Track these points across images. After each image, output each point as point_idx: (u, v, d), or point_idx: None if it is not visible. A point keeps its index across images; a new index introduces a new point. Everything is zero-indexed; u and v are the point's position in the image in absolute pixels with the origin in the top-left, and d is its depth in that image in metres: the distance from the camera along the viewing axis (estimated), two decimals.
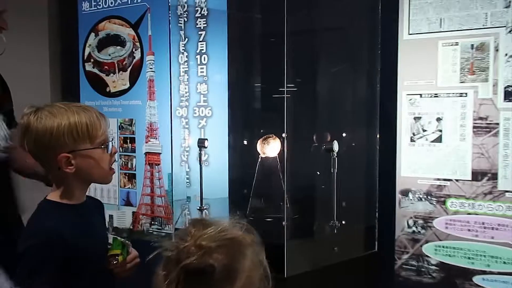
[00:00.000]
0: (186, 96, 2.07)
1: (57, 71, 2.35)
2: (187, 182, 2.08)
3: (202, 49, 2.02)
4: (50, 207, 1.23)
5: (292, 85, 1.97)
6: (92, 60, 2.29)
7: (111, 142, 1.29)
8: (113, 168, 1.30)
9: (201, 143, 1.64)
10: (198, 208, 1.53)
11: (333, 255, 1.44)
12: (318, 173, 1.58)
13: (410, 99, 1.63)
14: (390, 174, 1.61)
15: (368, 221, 1.57)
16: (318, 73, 1.86)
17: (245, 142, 1.88)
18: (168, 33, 2.08)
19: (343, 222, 1.57)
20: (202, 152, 1.56)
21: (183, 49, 2.07)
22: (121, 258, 1.27)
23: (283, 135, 2.13)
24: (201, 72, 2.03)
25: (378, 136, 1.64)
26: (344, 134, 1.78)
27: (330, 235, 1.52)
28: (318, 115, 1.89)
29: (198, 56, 2.04)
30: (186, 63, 2.06)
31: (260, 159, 1.52)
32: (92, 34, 2.29)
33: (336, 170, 1.42)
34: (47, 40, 2.31)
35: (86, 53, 2.30)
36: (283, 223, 1.27)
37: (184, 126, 2.08)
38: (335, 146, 1.43)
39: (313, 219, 1.59)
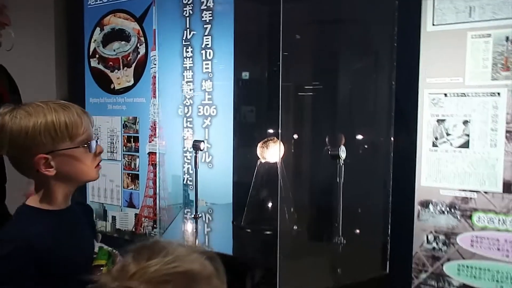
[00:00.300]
0: (190, 94, 1.95)
1: (63, 67, 2.29)
2: (190, 184, 1.97)
3: (208, 43, 1.90)
4: (28, 213, 1.14)
5: (309, 85, 1.81)
6: (97, 55, 2.21)
7: (95, 141, 1.20)
8: (99, 165, 1.21)
9: (196, 146, 1.50)
10: (193, 216, 1.40)
11: (336, 277, 1.27)
12: (324, 180, 1.42)
13: (433, 99, 1.44)
14: (408, 183, 1.43)
15: (379, 237, 1.39)
16: (327, 69, 1.69)
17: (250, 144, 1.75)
18: (173, 27, 1.97)
19: (349, 239, 1.40)
20: (198, 155, 1.42)
21: (187, 44, 1.95)
22: (105, 269, 1.18)
23: (294, 136, 2.00)
24: (206, 68, 1.91)
25: (392, 139, 1.46)
26: (358, 137, 1.61)
27: (334, 254, 1.35)
28: (329, 115, 1.73)
29: (204, 51, 1.91)
30: (191, 59, 1.94)
31: (259, 163, 1.38)
32: (98, 29, 2.21)
33: (342, 180, 1.26)
34: (53, 35, 2.24)
35: (92, 49, 2.23)
36: (278, 239, 1.13)
37: (188, 126, 1.96)
38: (342, 152, 1.26)
39: (314, 234, 1.44)
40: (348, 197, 1.37)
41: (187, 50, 1.95)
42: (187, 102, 1.96)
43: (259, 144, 1.38)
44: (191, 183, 1.96)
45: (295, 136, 1.94)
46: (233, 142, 1.84)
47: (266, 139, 1.39)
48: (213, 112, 1.90)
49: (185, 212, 1.98)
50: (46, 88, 2.23)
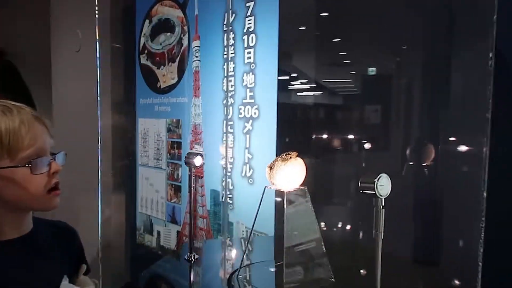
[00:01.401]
0: (231, 91, 1.58)
1: (117, 66, 2.14)
2: (229, 203, 1.60)
3: (250, 27, 1.50)
4: None
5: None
6: (146, 51, 2.00)
7: (47, 158, 0.91)
8: (55, 190, 0.93)
9: (188, 162, 1.03)
10: (185, 257, 1.02)
11: None
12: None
13: None
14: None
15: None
16: (401, 58, 1.15)
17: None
18: (214, 10, 1.62)
19: None
20: (193, 176, 1.00)
21: (228, 29, 1.58)
22: None
23: (366, 145, 1.46)
24: (248, 58, 1.51)
25: (485, 149, 0.87)
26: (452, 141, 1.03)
27: None
28: (405, 118, 1.17)
29: (245, 37, 1.52)
30: (232, 47, 1.57)
31: (265, 191, 0.92)
32: (147, 22, 1.99)
33: (382, 229, 0.73)
34: (109, 33, 2.11)
35: (141, 44, 2.03)
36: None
37: (229, 131, 1.59)
38: (384, 185, 0.73)
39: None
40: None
41: (228, 37, 1.58)
42: (228, 102, 1.59)
43: (268, 166, 0.93)
44: (231, 202, 1.59)
45: (367, 146, 1.42)
46: (276, 151, 1.40)
47: (285, 153, 0.92)
48: (254, 113, 1.49)
49: (224, 238, 1.62)
50: (102, 89, 2.11)
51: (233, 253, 1.36)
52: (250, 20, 1.50)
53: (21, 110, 0.91)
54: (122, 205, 2.15)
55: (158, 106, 1.93)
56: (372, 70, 1.31)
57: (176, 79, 1.83)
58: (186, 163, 1.02)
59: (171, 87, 1.85)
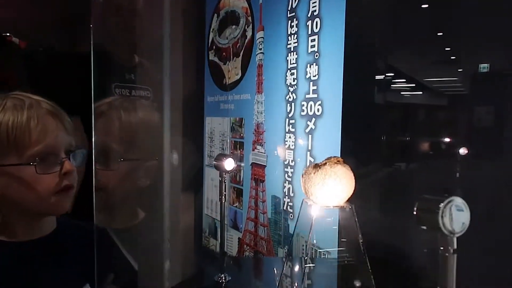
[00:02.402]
0: (293, 86, 1.39)
1: (188, 64, 2.09)
2: (290, 212, 1.41)
3: (315, 9, 1.30)
4: None
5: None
6: (214, 47, 1.91)
7: (60, 157, 0.86)
8: (66, 191, 0.87)
9: (218, 165, 0.84)
10: (216, 278, 0.86)
11: None
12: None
13: None
14: None
15: None
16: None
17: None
18: None
19: None
20: (224, 182, 0.83)
21: (292, 16, 1.39)
22: None
23: (461, 151, 1.15)
24: (312, 46, 1.31)
25: None
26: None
27: None
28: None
29: (309, 22, 1.32)
30: (295, 36, 1.38)
31: (303, 204, 0.70)
32: (215, 16, 1.91)
33: (454, 270, 0.47)
34: (181, 33, 2.07)
35: (210, 40, 1.95)
36: None
37: (290, 130, 1.41)
38: (457, 215, 0.46)
39: None
40: None
41: (292, 24, 1.39)
42: (289, 97, 1.41)
43: (305, 171, 0.72)
44: (291, 211, 1.41)
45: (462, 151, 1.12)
46: (341, 155, 1.18)
47: (328, 158, 0.70)
48: (318, 110, 1.28)
49: (285, 251, 1.45)
50: (173, 87, 2.09)
51: (290, 273, 1.17)
52: (315, 2, 1.30)
53: (34, 103, 0.86)
54: (190, 207, 2.11)
55: (223, 104, 1.83)
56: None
57: (239, 75, 1.70)
58: (215, 166, 0.88)
59: (235, 83, 1.73)
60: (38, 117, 0.82)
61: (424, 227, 0.49)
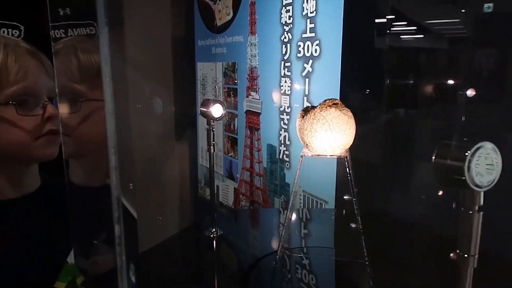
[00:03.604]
0: (289, 25, 1.27)
1: (177, 5, 1.94)
2: (286, 161, 1.35)
3: None
4: None
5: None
6: None
7: (42, 100, 0.80)
8: (49, 136, 0.81)
9: (205, 112, 0.76)
10: (207, 233, 0.80)
11: None
12: None
13: None
14: None
15: None
16: None
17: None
18: None
19: None
20: (212, 131, 0.75)
21: None
22: None
23: (468, 93, 1.06)
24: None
25: None
26: None
27: None
28: None
29: None
30: None
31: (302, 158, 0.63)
32: None
33: (476, 251, 0.40)
34: None
35: None
36: None
37: (286, 74, 1.31)
38: (485, 165, 0.38)
39: None
40: None
41: None
42: (285, 37, 1.29)
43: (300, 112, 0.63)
44: (287, 159, 1.34)
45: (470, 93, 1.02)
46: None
47: (326, 100, 0.62)
48: (315, 51, 1.17)
49: (281, 200, 1.40)
50: (159, 28, 1.94)
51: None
52: None
53: (11, 42, 0.78)
54: (185, 157, 2.05)
55: (215, 48, 1.70)
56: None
57: (231, 15, 1.57)
58: (201, 113, 0.79)
59: (227, 25, 1.60)
60: (16, 55, 0.75)
61: (445, 180, 0.41)
